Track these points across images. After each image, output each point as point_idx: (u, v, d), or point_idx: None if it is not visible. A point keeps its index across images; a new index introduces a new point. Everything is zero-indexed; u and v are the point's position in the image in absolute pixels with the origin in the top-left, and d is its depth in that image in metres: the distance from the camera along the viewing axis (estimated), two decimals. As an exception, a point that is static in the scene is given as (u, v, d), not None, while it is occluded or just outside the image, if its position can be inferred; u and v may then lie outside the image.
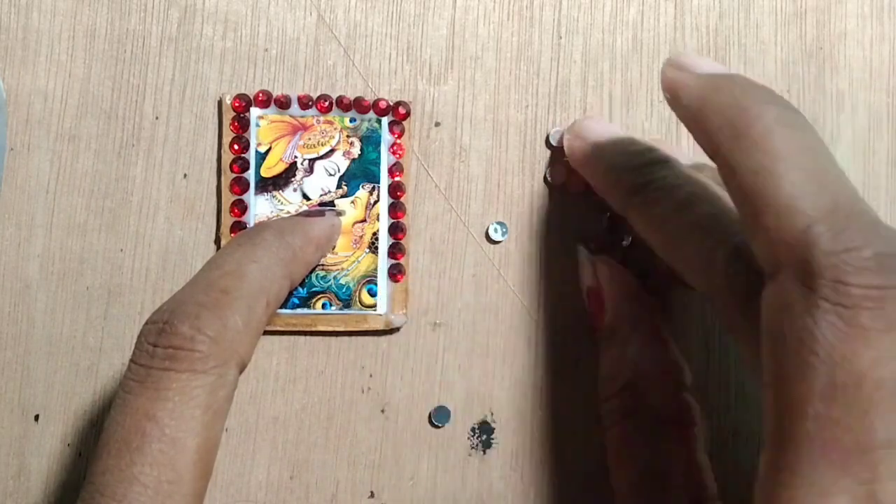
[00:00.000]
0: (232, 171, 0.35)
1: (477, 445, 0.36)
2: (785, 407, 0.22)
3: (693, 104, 0.27)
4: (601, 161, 0.34)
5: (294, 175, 0.36)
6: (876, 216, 0.24)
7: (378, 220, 0.36)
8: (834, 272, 0.22)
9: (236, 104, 0.36)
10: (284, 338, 0.36)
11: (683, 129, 0.37)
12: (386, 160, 0.36)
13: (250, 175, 0.36)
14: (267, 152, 0.36)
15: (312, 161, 0.36)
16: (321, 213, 0.35)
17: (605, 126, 0.35)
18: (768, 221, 0.23)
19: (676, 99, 0.28)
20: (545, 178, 0.36)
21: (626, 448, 0.32)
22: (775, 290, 0.23)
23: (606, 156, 0.33)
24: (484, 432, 0.36)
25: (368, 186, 0.36)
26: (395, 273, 0.36)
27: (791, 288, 0.22)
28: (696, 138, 0.27)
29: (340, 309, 0.36)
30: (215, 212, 0.36)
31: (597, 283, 0.34)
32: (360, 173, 0.36)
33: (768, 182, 0.23)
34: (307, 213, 0.35)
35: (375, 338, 0.36)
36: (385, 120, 0.36)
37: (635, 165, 0.32)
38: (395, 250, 0.36)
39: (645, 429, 0.32)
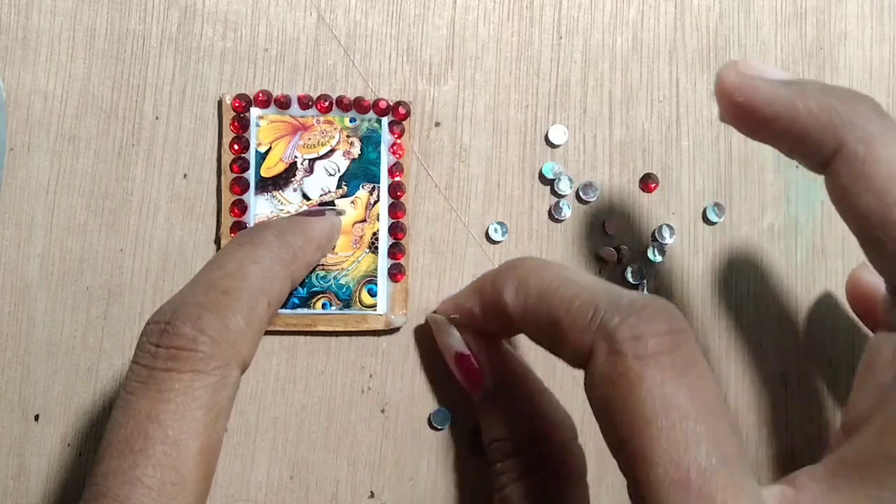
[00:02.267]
0: (232, 171, 0.35)
1: (477, 445, 0.36)
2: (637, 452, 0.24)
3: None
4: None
5: (294, 175, 0.36)
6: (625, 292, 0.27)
7: (378, 220, 0.36)
8: (630, 331, 0.25)
9: (236, 104, 0.36)
10: (284, 338, 0.36)
11: (683, 130, 0.37)
12: (386, 160, 0.36)
13: (250, 175, 0.36)
14: (267, 152, 0.36)
15: (312, 161, 0.36)
16: (321, 213, 0.35)
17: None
18: (564, 323, 0.27)
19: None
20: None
21: None
22: (591, 373, 0.26)
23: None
24: (484, 432, 0.36)
25: (368, 186, 0.36)
26: (395, 273, 0.36)
27: (603, 363, 0.25)
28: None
29: (340, 309, 0.36)
30: (215, 212, 0.36)
31: (467, 349, 0.34)
32: (360, 173, 0.36)
33: (552, 296, 0.28)
34: (307, 213, 0.35)
35: (375, 338, 0.36)
36: (385, 120, 0.36)
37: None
38: (395, 250, 0.36)
39: (546, 485, 0.31)
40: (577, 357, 0.27)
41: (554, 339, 0.28)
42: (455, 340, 0.34)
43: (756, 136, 0.29)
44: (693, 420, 0.24)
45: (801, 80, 0.28)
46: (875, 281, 0.35)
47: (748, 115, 0.28)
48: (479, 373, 0.33)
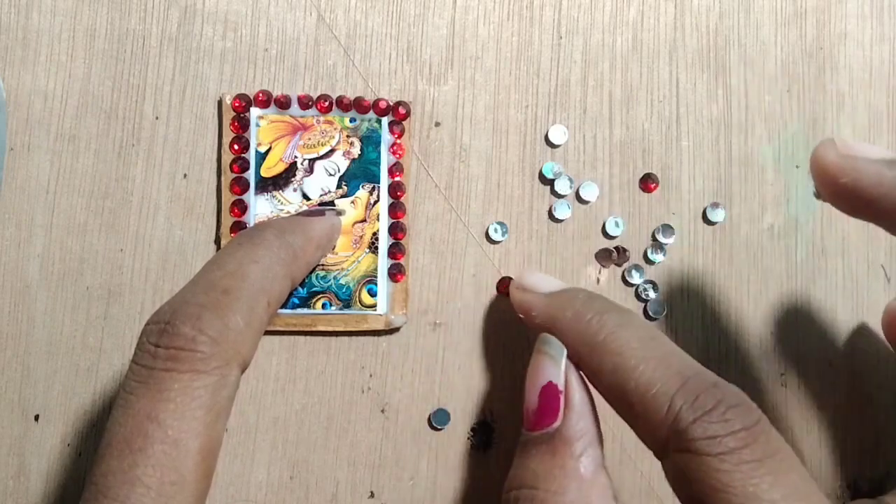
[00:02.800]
0: (232, 171, 0.35)
1: (477, 445, 0.36)
2: None
3: (546, 323, 0.31)
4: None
5: (294, 175, 0.36)
6: (714, 376, 0.27)
7: (378, 220, 0.36)
8: (703, 432, 0.25)
9: (236, 104, 0.36)
10: (284, 338, 0.36)
11: (683, 130, 0.37)
12: (386, 160, 0.36)
13: (250, 175, 0.36)
14: (267, 152, 0.36)
15: (312, 161, 0.36)
16: (321, 213, 0.35)
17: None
18: (638, 411, 0.27)
19: (529, 318, 0.32)
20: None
21: None
22: (670, 465, 0.27)
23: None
24: (484, 432, 0.36)
25: (368, 186, 0.36)
26: (395, 273, 0.36)
27: (680, 459, 0.26)
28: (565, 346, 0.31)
29: (340, 309, 0.36)
30: (215, 212, 0.36)
31: (562, 384, 0.30)
32: (360, 173, 0.36)
33: (628, 377, 0.28)
34: (307, 213, 0.35)
35: (375, 338, 0.36)
36: (385, 120, 0.36)
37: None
38: (395, 250, 0.36)
39: None
40: (651, 445, 0.27)
41: (625, 415, 0.28)
42: (558, 371, 0.30)
43: (858, 215, 0.30)
44: None
45: None
46: None
47: (853, 196, 0.29)
48: (555, 415, 0.30)
